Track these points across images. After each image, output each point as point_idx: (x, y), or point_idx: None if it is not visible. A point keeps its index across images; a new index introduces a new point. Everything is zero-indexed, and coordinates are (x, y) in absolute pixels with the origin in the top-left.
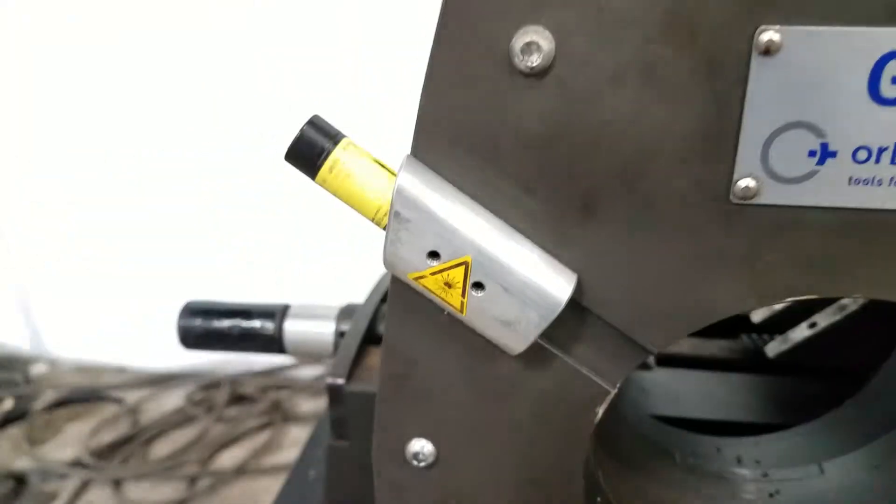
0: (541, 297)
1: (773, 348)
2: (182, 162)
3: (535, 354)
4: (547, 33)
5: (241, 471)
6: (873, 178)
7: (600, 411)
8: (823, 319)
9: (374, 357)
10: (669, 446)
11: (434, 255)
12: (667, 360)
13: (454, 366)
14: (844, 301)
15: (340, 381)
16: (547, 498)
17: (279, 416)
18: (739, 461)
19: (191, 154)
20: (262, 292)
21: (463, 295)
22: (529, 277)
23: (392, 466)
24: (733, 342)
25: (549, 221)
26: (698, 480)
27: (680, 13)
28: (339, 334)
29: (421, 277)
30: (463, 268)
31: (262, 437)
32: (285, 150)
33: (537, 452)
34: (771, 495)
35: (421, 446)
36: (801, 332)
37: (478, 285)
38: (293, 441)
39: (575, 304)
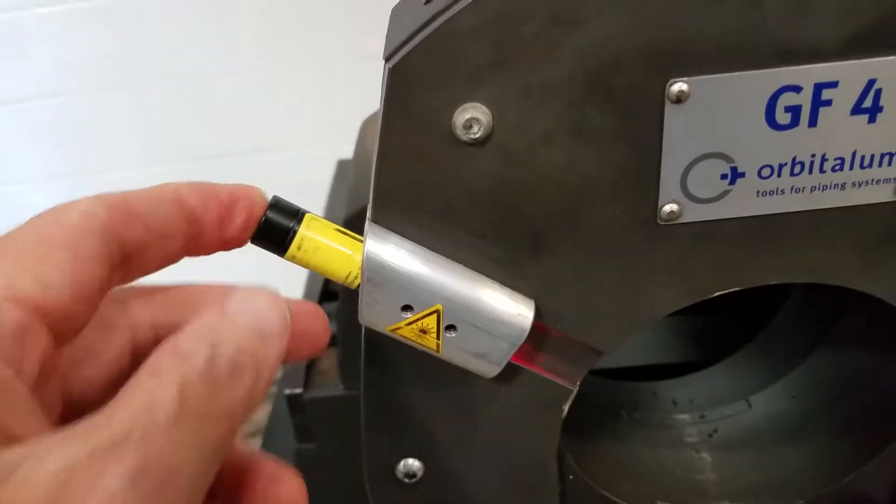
0: (507, 328)
1: None
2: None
3: (506, 370)
4: (484, 108)
5: None
6: (777, 189)
7: (566, 407)
8: None
9: (326, 360)
10: (615, 403)
11: (407, 307)
12: None
13: (433, 393)
14: None
15: (298, 390)
16: (526, 489)
17: None
18: (675, 403)
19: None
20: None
21: (438, 338)
22: (495, 313)
23: (384, 486)
24: None
25: (504, 260)
26: (645, 432)
27: (598, 78)
28: None
29: (397, 329)
30: (435, 315)
31: None
32: (251, 236)
33: (515, 452)
34: (710, 435)
35: (410, 465)
36: None
37: (450, 327)
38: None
39: (535, 324)
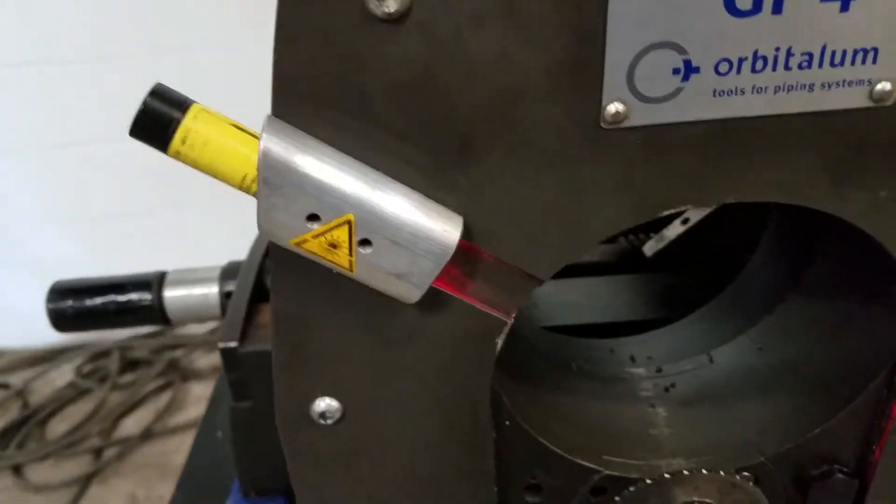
0: (431, 244)
1: (651, 247)
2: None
3: (431, 298)
4: None
5: (146, 435)
6: (736, 89)
7: (500, 341)
8: (695, 214)
9: (266, 314)
10: (565, 356)
11: (314, 217)
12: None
13: (351, 322)
14: None
15: (233, 343)
16: (456, 434)
17: (177, 375)
18: (633, 360)
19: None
20: (136, 261)
21: (350, 254)
22: (416, 226)
23: (299, 429)
24: (612, 245)
25: (428, 168)
26: (596, 385)
27: None
28: (225, 295)
29: (303, 242)
30: (346, 227)
31: (163, 399)
32: (129, 125)
33: (444, 391)
34: (666, 389)
35: (326, 405)
36: (674, 230)
37: (364, 242)
38: (197, 398)
39: (463, 244)
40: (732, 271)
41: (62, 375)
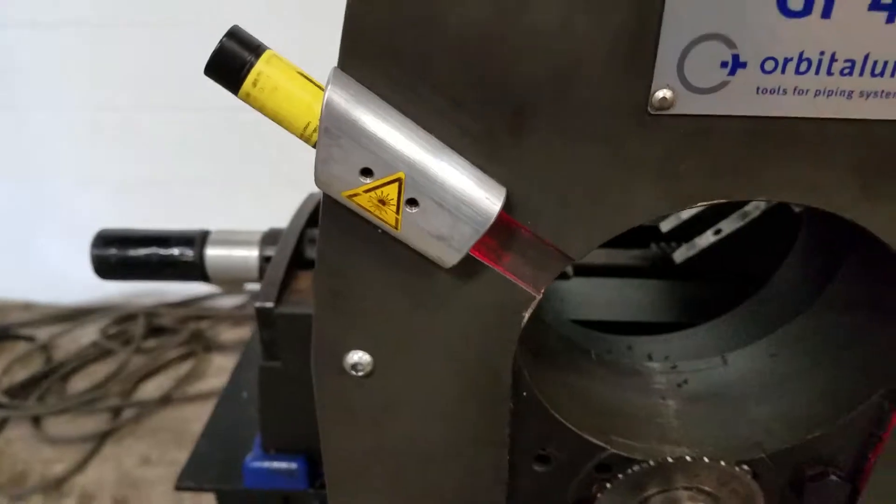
0: (473, 212)
1: (681, 254)
2: (77, 90)
3: (467, 266)
4: None
5: (165, 400)
6: (779, 88)
7: (527, 315)
8: (728, 226)
9: (302, 281)
10: (587, 345)
11: (367, 172)
12: (583, 270)
13: (389, 280)
14: (747, 208)
15: (270, 304)
16: (477, 400)
17: (200, 345)
18: (650, 357)
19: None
20: (180, 219)
21: (397, 212)
22: (462, 192)
23: (331, 377)
24: (644, 251)
25: (480, 136)
26: (612, 373)
27: None
28: (264, 259)
29: (354, 195)
30: (397, 185)
31: (184, 367)
32: (205, 63)
33: (469, 356)
34: (679, 385)
35: (359, 357)
36: (706, 239)
37: (412, 202)
38: (218, 369)
39: (503, 216)
40: (756, 285)
41: (87, 335)
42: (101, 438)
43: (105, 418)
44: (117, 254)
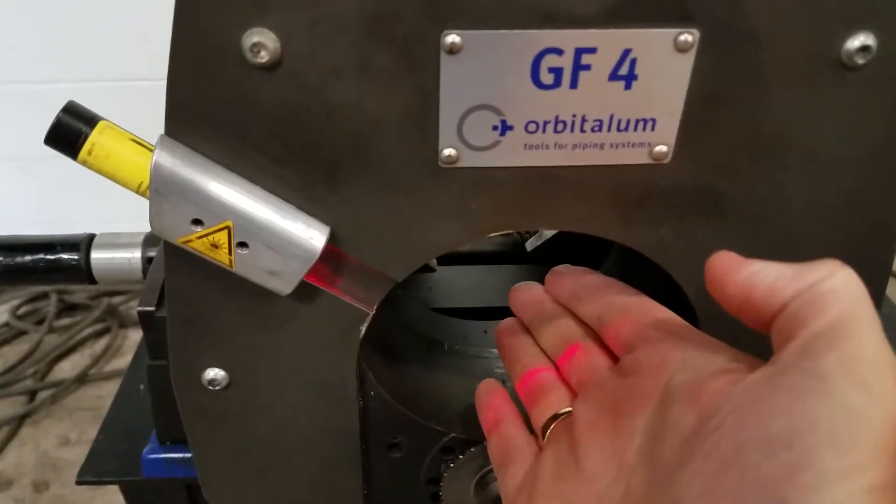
0: (299, 249)
1: (531, 243)
2: None
3: (304, 290)
4: (272, 34)
5: (82, 379)
6: (542, 144)
7: (363, 328)
8: None
9: None
10: (443, 337)
11: (197, 221)
12: (449, 259)
13: (235, 306)
14: None
15: (150, 308)
16: (327, 402)
17: (116, 321)
18: None
19: None
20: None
21: (230, 253)
22: (287, 233)
23: (190, 393)
24: (507, 238)
25: (300, 186)
26: (461, 362)
27: (379, 20)
28: (147, 260)
29: (188, 241)
30: (226, 231)
31: (100, 344)
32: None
33: (315, 367)
34: None
35: (214, 374)
36: (550, 230)
37: (242, 244)
38: (134, 344)
39: (331, 248)
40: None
41: None
42: (19, 421)
43: (21, 401)
44: (4, 262)
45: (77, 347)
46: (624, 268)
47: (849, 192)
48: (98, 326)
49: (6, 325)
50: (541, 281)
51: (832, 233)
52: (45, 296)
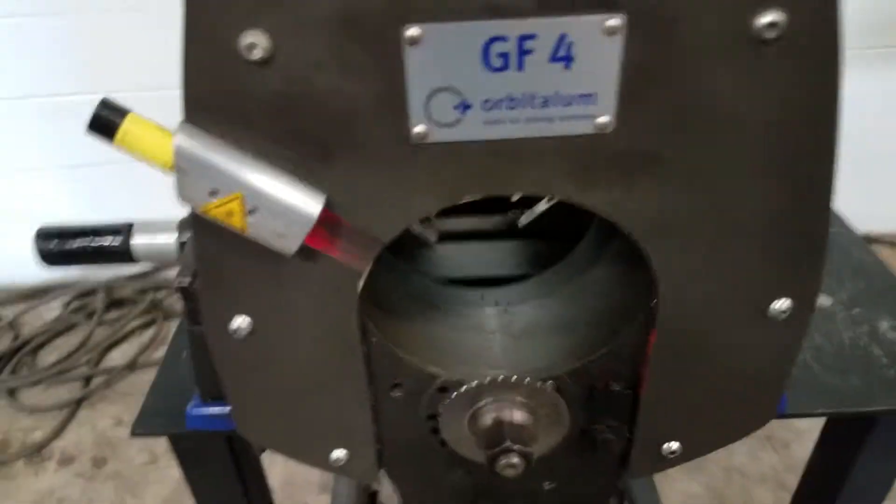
0: (300, 215)
1: (524, 219)
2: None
3: (308, 252)
4: (264, 35)
5: (132, 366)
6: (499, 119)
7: (360, 283)
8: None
9: None
10: (441, 303)
11: (214, 192)
12: (448, 236)
13: (254, 262)
14: None
15: (187, 281)
16: (335, 348)
17: (160, 314)
18: (496, 304)
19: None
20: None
21: (242, 219)
22: (289, 202)
23: (221, 340)
24: (503, 216)
25: (299, 163)
26: (454, 319)
27: (350, 20)
28: (181, 244)
29: (208, 210)
30: (238, 201)
31: (147, 335)
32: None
33: (322, 318)
34: (506, 325)
35: (239, 322)
36: (542, 205)
37: (252, 211)
38: None
39: (327, 214)
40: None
41: (51, 311)
42: (76, 405)
43: (77, 386)
44: (57, 246)
45: (125, 338)
46: (600, 239)
47: (773, 151)
48: (144, 319)
49: (59, 318)
50: (529, 255)
51: (760, 185)
52: (93, 292)
